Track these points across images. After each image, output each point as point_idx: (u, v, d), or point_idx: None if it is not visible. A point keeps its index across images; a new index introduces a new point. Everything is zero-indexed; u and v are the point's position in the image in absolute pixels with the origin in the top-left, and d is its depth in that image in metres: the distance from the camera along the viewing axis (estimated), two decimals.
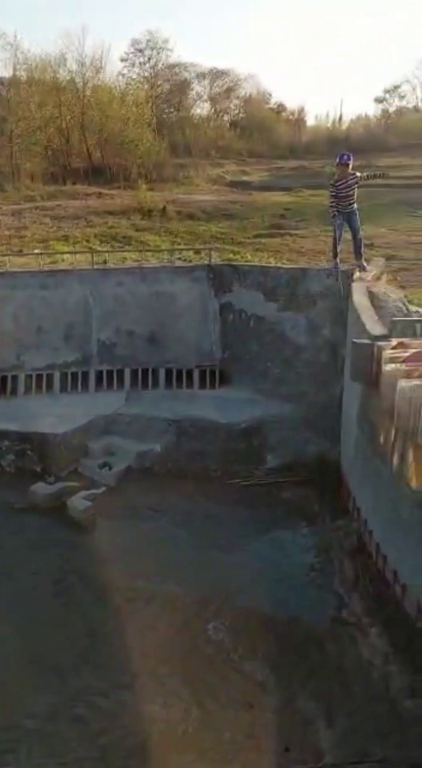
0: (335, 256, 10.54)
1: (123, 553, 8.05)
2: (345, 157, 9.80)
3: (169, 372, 11.52)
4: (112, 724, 5.64)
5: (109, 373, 11.45)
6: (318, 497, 9.07)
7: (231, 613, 6.94)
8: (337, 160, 9.87)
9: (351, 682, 5.98)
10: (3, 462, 9.82)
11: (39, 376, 11.22)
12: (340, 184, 9.84)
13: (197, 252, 14.20)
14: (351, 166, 9.84)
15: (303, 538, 8.32)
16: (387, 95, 55.23)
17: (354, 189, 9.91)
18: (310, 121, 53.63)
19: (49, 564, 7.79)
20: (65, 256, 13.53)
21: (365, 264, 10.36)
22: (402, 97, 57.70)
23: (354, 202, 10.02)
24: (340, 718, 5.62)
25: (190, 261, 13.07)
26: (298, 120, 52.44)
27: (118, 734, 5.54)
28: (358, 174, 10.00)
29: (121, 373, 11.47)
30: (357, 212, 10.16)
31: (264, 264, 12.50)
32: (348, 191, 9.88)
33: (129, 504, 9.11)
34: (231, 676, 6.17)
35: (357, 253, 10.37)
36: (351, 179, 9.86)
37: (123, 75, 36.77)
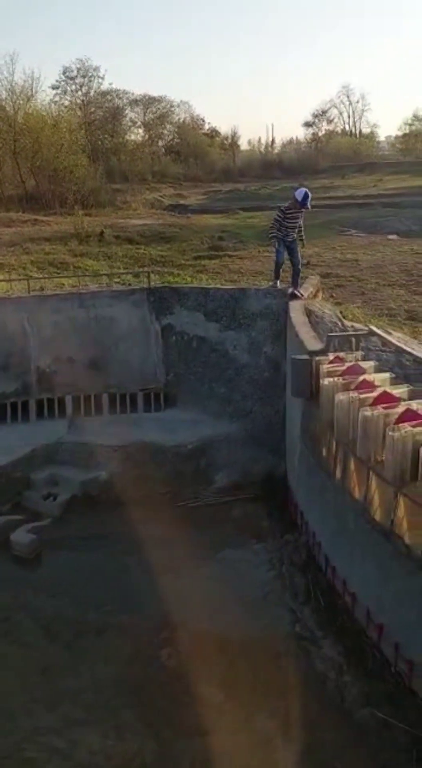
0: (277, 277, 10.89)
1: (71, 585, 7.85)
2: (308, 199, 10.04)
3: (112, 397, 11.41)
4: (67, 763, 5.44)
5: (50, 401, 11.23)
6: (267, 513, 9.13)
7: (184, 638, 6.84)
8: (300, 199, 10.03)
9: (307, 696, 5.99)
10: None
11: None
12: (290, 214, 10.14)
13: (136, 275, 14.23)
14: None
15: (254, 556, 8.34)
16: (316, 119, 57.49)
17: (299, 222, 10.26)
18: (243, 146, 55.16)
19: None
20: (0, 284, 13.26)
21: (301, 293, 10.64)
22: (330, 121, 60.30)
23: (295, 234, 10.34)
24: (298, 734, 5.60)
25: (130, 284, 13.07)
26: (232, 144, 53.80)
27: None
28: (302, 221, 10.36)
29: (62, 401, 11.27)
30: (297, 243, 10.51)
31: (203, 285, 12.64)
32: (294, 222, 10.21)
33: (76, 534, 8.91)
34: (186, 702, 6.06)
35: (295, 283, 10.71)
36: (300, 215, 10.20)
37: (55, 102, 36.75)
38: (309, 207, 10.25)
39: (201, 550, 8.53)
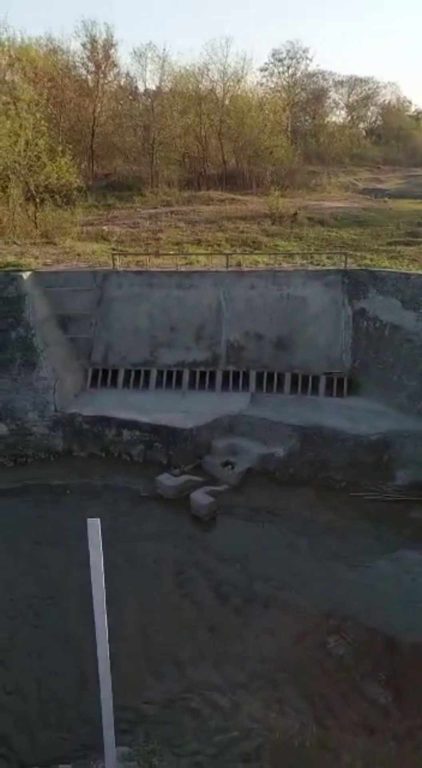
0: None
1: (242, 553, 7.99)
2: None
3: (295, 377, 11.33)
4: (228, 724, 5.57)
5: (236, 374, 11.48)
6: None
7: (353, 630, 6.63)
8: None
9: None
10: (133, 451, 10.19)
11: (169, 373, 11.53)
12: None
13: (329, 257, 13.91)
14: None
15: None
16: None
17: None
18: None
19: (170, 554, 7.92)
20: (200, 257, 13.81)
21: None
22: None
23: None
24: None
25: (324, 266, 12.81)
26: None
27: (234, 735, 5.46)
28: None
29: (247, 375, 11.46)
30: None
31: (405, 270, 11.91)
32: None
33: (249, 505, 9.04)
34: (351, 696, 5.88)
35: None
36: None
37: (261, 84, 37.14)
38: None
39: (375, 545, 8.18)
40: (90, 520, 3.90)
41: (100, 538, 3.94)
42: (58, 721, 5.67)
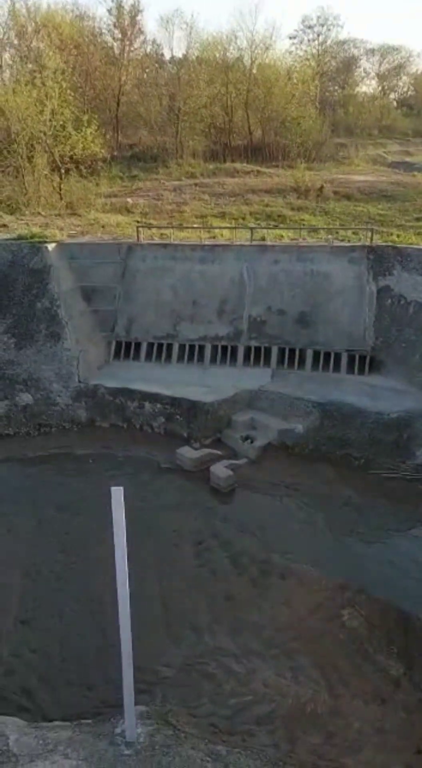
0: None
1: (260, 525, 8.13)
2: None
3: (316, 354, 11.32)
4: (243, 688, 5.76)
5: (257, 349, 11.51)
6: None
7: (367, 604, 6.75)
8: None
9: None
10: (154, 423, 10.35)
11: (192, 347, 11.60)
12: None
13: (355, 233, 13.74)
14: None
15: None
16: None
17: None
18: None
19: (189, 525, 8.10)
20: (224, 231, 13.74)
21: None
22: None
23: None
24: None
25: (349, 241, 12.67)
26: None
27: (247, 699, 5.65)
28: None
29: (268, 350, 11.48)
30: None
31: None
32: None
33: (268, 479, 9.16)
34: (364, 666, 6.02)
35: None
36: None
37: (290, 52, 36.24)
38: None
39: (391, 522, 8.25)
40: (114, 489, 4.02)
41: (123, 506, 4.06)
42: (79, 679, 5.92)
